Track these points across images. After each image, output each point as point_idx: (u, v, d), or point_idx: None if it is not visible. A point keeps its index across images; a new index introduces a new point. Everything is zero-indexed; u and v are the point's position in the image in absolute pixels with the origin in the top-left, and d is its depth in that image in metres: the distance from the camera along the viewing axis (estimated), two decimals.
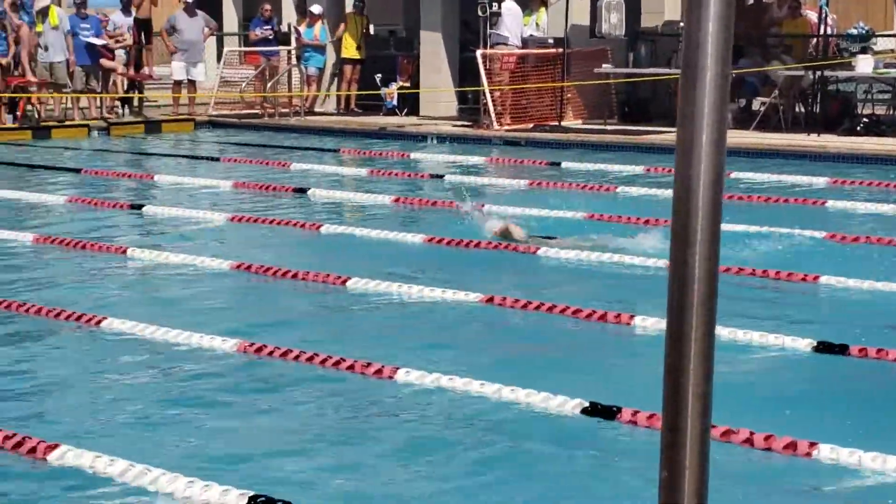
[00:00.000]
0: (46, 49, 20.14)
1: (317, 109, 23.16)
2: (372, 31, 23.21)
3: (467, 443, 5.58)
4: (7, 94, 19.92)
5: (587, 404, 5.83)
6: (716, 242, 1.53)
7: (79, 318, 7.75)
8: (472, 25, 21.00)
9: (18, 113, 20.22)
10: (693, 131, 1.53)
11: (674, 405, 1.60)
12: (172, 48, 22.09)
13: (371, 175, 15.40)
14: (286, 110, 22.37)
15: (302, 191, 13.64)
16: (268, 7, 22.70)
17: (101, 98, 21.29)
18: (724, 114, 1.54)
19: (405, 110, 22.17)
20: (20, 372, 6.81)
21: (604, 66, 20.05)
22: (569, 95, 20.17)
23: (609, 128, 19.39)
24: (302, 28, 22.79)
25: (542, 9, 20.55)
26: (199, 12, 22.02)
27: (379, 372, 6.51)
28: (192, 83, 22.15)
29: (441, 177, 15.08)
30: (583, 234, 10.57)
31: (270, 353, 6.92)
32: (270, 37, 22.88)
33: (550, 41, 20.17)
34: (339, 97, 23.20)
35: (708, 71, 1.53)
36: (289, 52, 23.11)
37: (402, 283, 8.68)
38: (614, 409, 5.76)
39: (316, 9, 22.50)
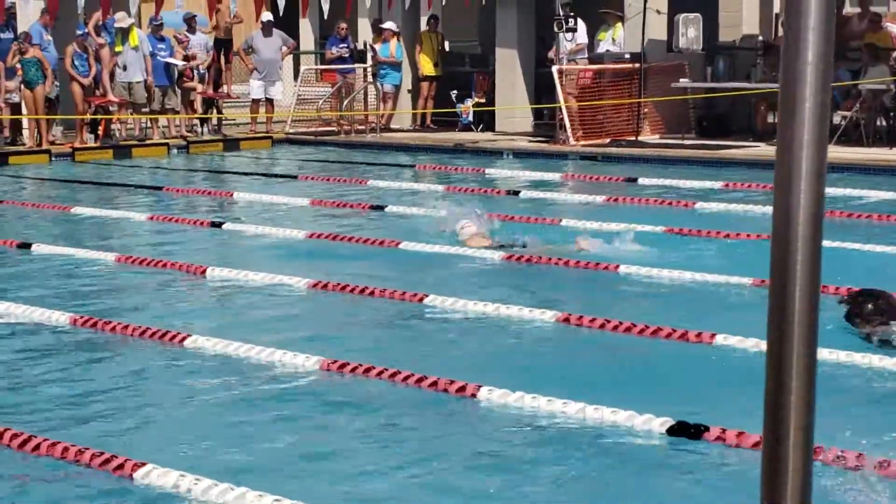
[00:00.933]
0: (125, 69, 20.44)
1: (392, 126, 23.28)
2: (447, 48, 23.31)
3: (551, 462, 5.56)
4: (89, 115, 20.23)
5: (673, 423, 5.78)
6: (816, 276, 1.51)
7: (163, 335, 7.84)
8: (548, 41, 20.99)
9: (100, 132, 20.53)
10: (791, 162, 1.52)
11: (775, 433, 1.57)
12: (250, 67, 22.34)
13: (447, 191, 15.43)
14: (362, 127, 22.50)
15: (379, 208, 13.69)
16: (343, 25, 22.86)
17: (180, 117, 21.57)
18: (824, 145, 1.52)
19: (480, 126, 22.20)
20: (107, 390, 6.89)
21: (681, 80, 19.93)
22: (646, 110, 20.07)
23: (687, 142, 19.26)
24: (378, 46, 22.93)
25: (619, 24, 20.49)
26: (277, 31, 22.24)
27: (462, 389, 6.51)
28: (269, 101, 22.37)
29: (517, 192, 15.07)
30: (556, 238, 11.05)
31: (353, 370, 6.95)
32: (346, 55, 23.03)
33: (627, 56, 20.10)
34: (414, 114, 23.30)
35: (806, 102, 1.51)
36: (365, 69, 23.24)
37: (479, 301, 8.68)
38: (702, 427, 5.70)
39: (390, 25, 22.63)
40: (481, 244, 10.78)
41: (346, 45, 23.04)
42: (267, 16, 21.48)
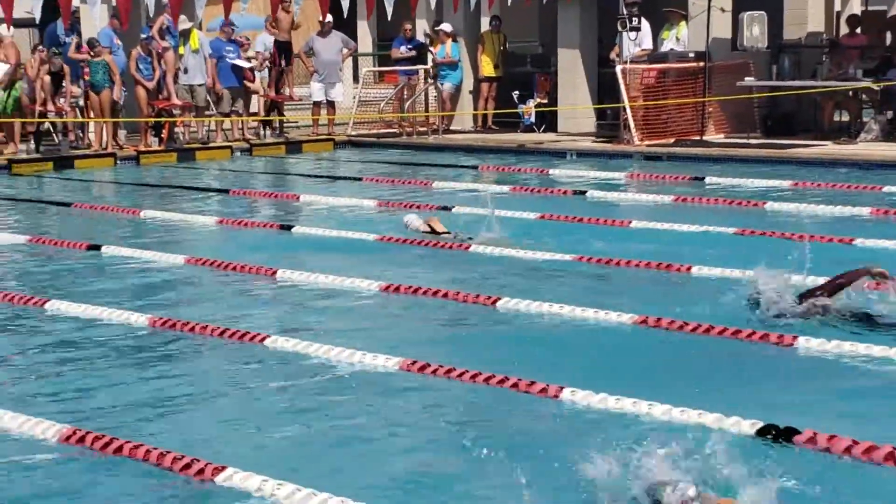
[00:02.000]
0: (186, 72, 20.53)
1: (454, 127, 23.23)
2: (508, 49, 23.22)
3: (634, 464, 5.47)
4: (153, 119, 20.34)
5: (762, 425, 5.67)
6: None
7: (242, 336, 7.83)
8: (609, 41, 20.86)
9: (164, 136, 20.63)
10: None
11: None
12: (311, 69, 22.38)
13: (513, 192, 15.34)
14: (424, 129, 22.45)
15: (445, 209, 13.63)
16: (408, 26, 22.83)
17: (242, 119, 21.64)
18: None
19: (542, 127, 22.09)
20: (186, 394, 6.88)
21: (746, 79, 19.69)
22: (710, 109, 19.86)
23: (753, 142, 19.03)
24: (435, 47, 22.89)
25: (683, 22, 20.30)
26: (337, 33, 22.25)
27: (544, 391, 6.43)
28: (330, 104, 22.38)
29: (583, 193, 14.96)
30: (507, 231, 11.39)
31: (434, 372, 6.89)
32: (414, 55, 23.02)
33: (691, 55, 19.90)
34: (476, 115, 23.24)
35: None
36: (425, 70, 23.21)
37: (554, 303, 8.59)
38: (792, 430, 5.59)
39: (446, 27, 22.57)
40: (441, 229, 11.64)
41: (412, 46, 23.01)
42: (327, 18, 21.46)
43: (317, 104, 22.43)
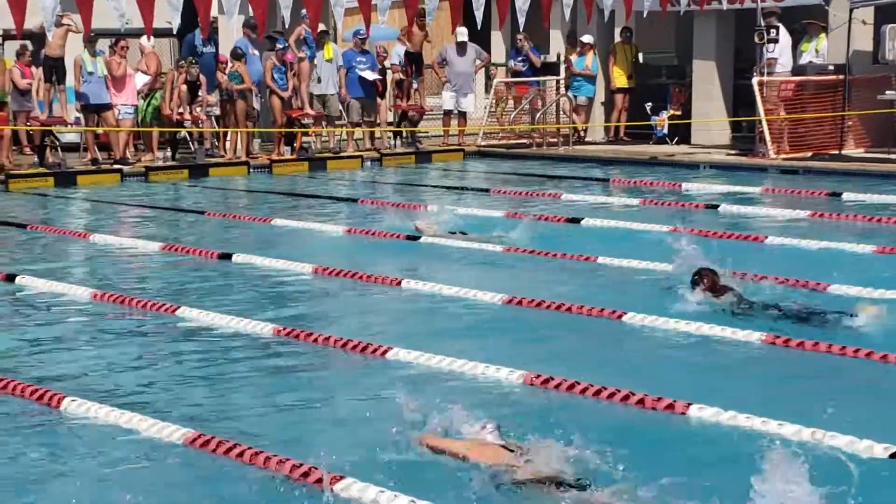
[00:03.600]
0: (319, 81, 20.73)
1: (586, 139, 23.09)
2: (641, 60, 22.98)
3: (761, 485, 5.30)
4: (285, 129, 20.59)
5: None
6: None
7: (364, 348, 7.82)
8: (746, 53, 20.51)
9: (296, 145, 20.88)
10: None
11: None
12: (443, 79, 22.43)
13: (643, 204, 15.14)
14: (554, 140, 22.33)
15: (575, 221, 13.50)
16: (520, 37, 22.68)
17: (373, 129, 21.78)
18: None
19: (675, 139, 21.80)
20: (306, 401, 6.90)
21: (887, 93, 19.16)
22: (850, 123, 19.39)
23: (893, 157, 18.50)
24: (573, 57, 22.76)
25: (822, 35, 19.85)
26: (472, 45, 22.25)
27: (670, 407, 6.29)
28: (462, 114, 22.38)
29: (716, 207, 14.68)
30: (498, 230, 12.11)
31: (557, 386, 6.79)
32: (523, 69, 22.94)
33: (831, 68, 19.45)
34: (608, 126, 23.05)
35: None
36: (557, 81, 23.09)
37: (680, 319, 8.41)
38: None
39: (587, 38, 22.43)
40: (431, 230, 12.53)
41: (522, 59, 22.93)
42: (462, 30, 21.39)
43: (447, 114, 22.48)
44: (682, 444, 5.93)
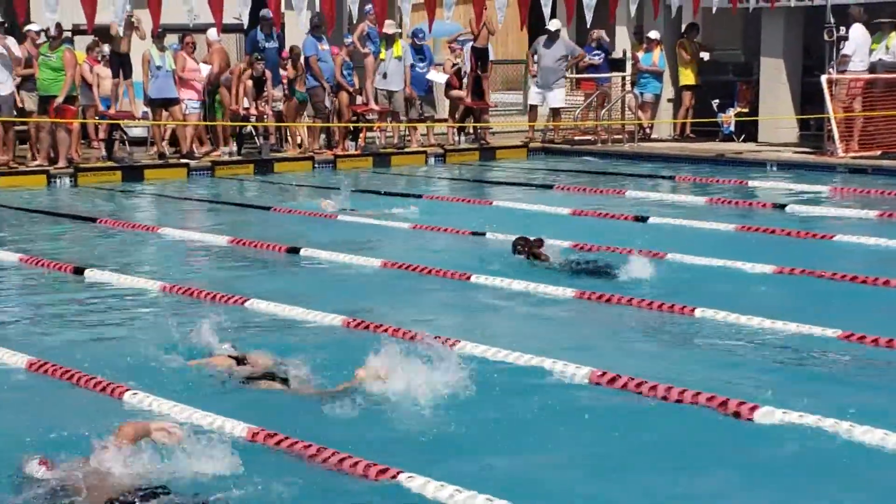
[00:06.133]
0: (385, 76, 20.74)
1: (652, 136, 22.94)
2: (707, 57, 22.77)
3: (832, 488, 5.25)
4: (352, 123, 20.64)
5: None
6: None
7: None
8: (815, 50, 20.28)
9: (360, 141, 20.90)
10: None
11: None
12: (532, 73, 22.33)
13: (709, 203, 15.02)
14: (620, 137, 22.20)
15: (642, 219, 13.42)
16: (594, 33, 22.55)
17: (438, 124, 21.75)
18: None
19: (742, 136, 21.60)
20: (374, 398, 6.86)
21: None
22: None
23: None
24: (640, 54, 22.60)
25: (893, 32, 19.54)
26: (563, 39, 21.92)
27: (739, 406, 6.24)
28: (555, 111, 22.20)
29: (783, 206, 14.52)
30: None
31: (624, 386, 6.76)
32: (599, 63, 22.79)
33: None
34: (674, 123, 22.88)
35: None
36: (623, 77, 22.93)
37: (753, 316, 8.35)
38: None
39: (654, 35, 22.24)
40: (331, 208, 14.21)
41: (599, 54, 22.79)
42: (555, 24, 21.12)
43: (532, 108, 22.33)
44: (746, 447, 5.84)
